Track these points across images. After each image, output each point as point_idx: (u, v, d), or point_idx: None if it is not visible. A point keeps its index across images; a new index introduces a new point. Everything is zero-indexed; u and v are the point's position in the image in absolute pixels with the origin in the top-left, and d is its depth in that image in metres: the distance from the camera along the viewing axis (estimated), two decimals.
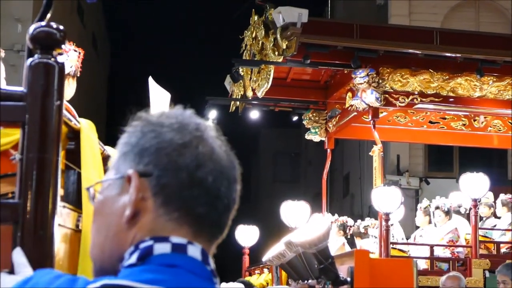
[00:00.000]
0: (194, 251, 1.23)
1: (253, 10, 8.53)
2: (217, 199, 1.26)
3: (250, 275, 11.52)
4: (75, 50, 4.23)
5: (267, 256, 8.49)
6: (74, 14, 18.62)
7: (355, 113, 8.67)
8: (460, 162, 15.66)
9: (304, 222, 9.10)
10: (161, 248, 1.21)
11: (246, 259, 11.52)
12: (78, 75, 4.25)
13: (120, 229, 1.30)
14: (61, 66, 2.07)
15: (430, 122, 9.66)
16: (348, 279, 6.36)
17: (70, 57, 4.10)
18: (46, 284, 1.33)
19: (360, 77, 7.82)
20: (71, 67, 4.14)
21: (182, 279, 1.18)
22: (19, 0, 12.96)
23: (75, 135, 2.61)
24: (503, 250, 9.40)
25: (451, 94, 8.51)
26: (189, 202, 1.24)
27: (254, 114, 9.80)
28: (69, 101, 4.26)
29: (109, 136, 2.88)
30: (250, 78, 8.91)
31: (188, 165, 1.24)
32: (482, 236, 9.05)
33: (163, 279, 1.17)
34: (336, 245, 9.14)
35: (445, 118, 9.56)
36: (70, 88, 4.22)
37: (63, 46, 2.06)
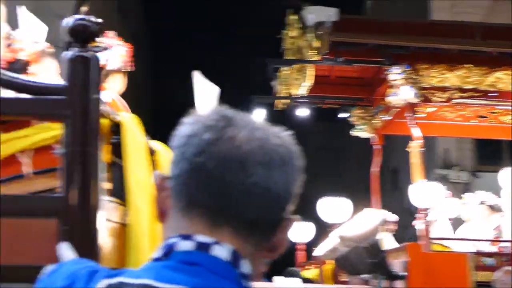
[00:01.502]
0: (221, 251, 1.19)
1: (290, 9, 8.59)
2: (223, 186, 1.20)
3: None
4: (122, 45, 4.22)
5: (319, 251, 8.41)
6: (114, 12, 18.77)
7: (398, 109, 8.60)
8: (510, 155, 15.43)
9: (346, 217, 9.04)
10: (185, 245, 1.20)
11: (300, 255, 11.50)
12: (129, 70, 4.26)
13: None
14: (98, 59, 2.07)
15: (479, 116, 9.51)
16: (403, 273, 6.29)
17: (117, 52, 4.09)
18: (70, 274, 1.33)
19: (396, 74, 7.79)
20: (118, 62, 4.14)
21: (202, 278, 1.16)
22: None
23: (118, 128, 2.62)
24: None
25: (490, 88, 8.39)
26: (192, 191, 1.21)
27: (301, 112, 9.79)
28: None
29: (154, 132, 2.91)
30: (294, 77, 8.96)
31: (190, 153, 1.21)
32: None
33: (182, 279, 1.15)
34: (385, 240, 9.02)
35: (494, 113, 9.42)
36: (119, 83, 4.23)
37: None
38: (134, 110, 2.68)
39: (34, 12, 3.97)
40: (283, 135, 1.27)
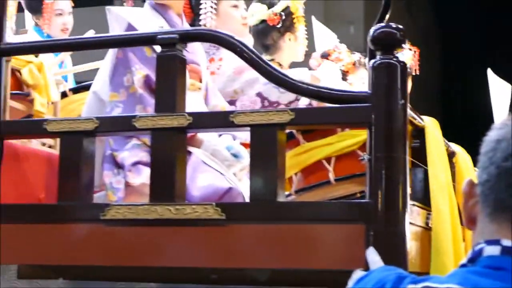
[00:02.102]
0: None
1: None
2: None
3: None
4: (409, 49, 4.24)
5: None
6: (404, 12, 18.71)
7: None
8: None
9: None
10: (491, 250, 1.18)
11: None
12: (414, 74, 4.25)
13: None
14: (403, 65, 2.09)
15: None
16: None
17: (405, 56, 4.11)
18: (378, 280, 1.34)
19: None
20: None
21: (507, 283, 1.13)
22: (350, 1, 13.25)
23: (419, 133, 2.61)
24: None
25: None
26: (500, 196, 1.19)
27: None
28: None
29: (444, 133, 2.86)
30: None
31: (498, 158, 1.19)
32: None
33: (486, 283, 1.13)
34: None
35: None
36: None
37: (403, 45, 2.07)
38: (424, 113, 2.66)
39: (325, 19, 4.08)
40: None
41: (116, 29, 2.88)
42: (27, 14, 4.40)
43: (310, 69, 4.19)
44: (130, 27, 2.84)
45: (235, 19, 3.45)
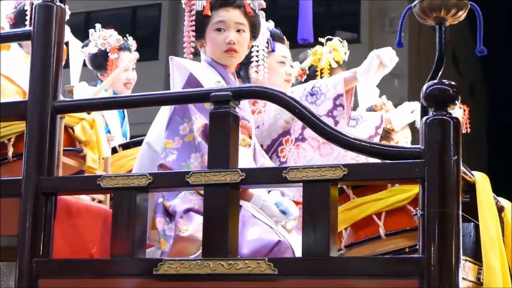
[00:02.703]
0: None
1: None
2: None
3: None
4: (459, 107, 4.25)
5: None
6: (450, 64, 18.71)
7: None
8: None
9: None
10: None
11: None
12: (465, 132, 4.25)
13: None
14: (456, 121, 2.11)
15: None
16: None
17: (455, 114, 4.12)
18: None
19: None
20: None
21: None
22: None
23: (469, 188, 2.61)
24: None
25: None
26: None
27: None
28: None
29: (494, 186, 2.84)
30: None
31: None
32: None
33: None
34: None
35: None
36: None
37: (456, 101, 2.10)
38: (471, 165, 2.67)
39: None
40: None
41: (177, 78, 2.96)
42: (73, 70, 4.51)
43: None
44: (191, 77, 2.92)
45: (280, 75, 3.51)
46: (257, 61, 3.27)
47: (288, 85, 3.55)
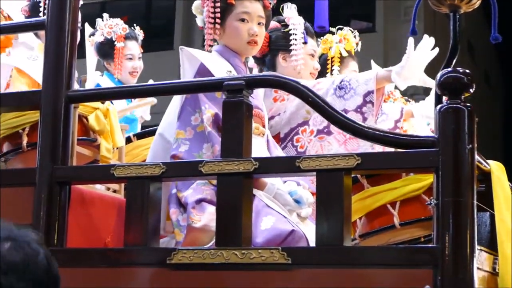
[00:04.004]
0: None
1: None
2: None
3: None
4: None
5: None
6: (466, 53, 18.63)
7: None
8: None
9: None
10: None
11: None
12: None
13: None
14: (470, 109, 2.09)
15: None
16: None
17: None
18: None
19: None
20: None
21: None
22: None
23: (485, 177, 2.59)
24: None
25: None
26: None
27: None
28: None
29: (510, 175, 2.81)
30: None
31: None
32: None
33: None
34: None
35: None
36: None
37: (470, 89, 2.08)
38: (487, 154, 2.65)
39: (384, 61, 4.12)
40: None
41: (187, 68, 2.95)
42: (89, 60, 4.53)
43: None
44: (202, 66, 2.91)
45: (309, 67, 3.51)
46: (296, 50, 3.32)
47: (312, 78, 3.55)
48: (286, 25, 3.46)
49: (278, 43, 3.46)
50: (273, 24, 3.46)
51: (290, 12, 3.47)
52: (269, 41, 3.46)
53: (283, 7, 3.49)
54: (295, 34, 3.36)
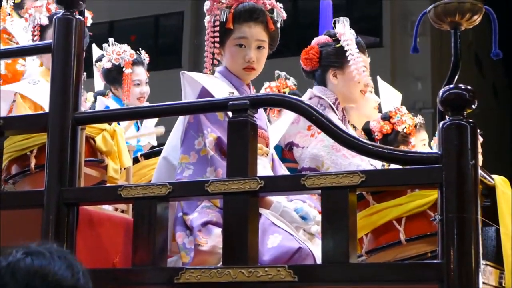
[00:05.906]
0: None
1: None
2: None
3: None
4: None
5: None
6: (473, 66, 18.63)
7: None
8: None
9: None
10: None
11: None
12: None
13: None
14: (473, 125, 2.10)
15: None
16: None
17: None
18: None
19: None
20: None
21: None
22: (417, 57, 13.26)
23: (489, 192, 2.60)
24: None
25: None
26: None
27: None
28: None
29: None
30: None
31: None
32: None
33: None
34: None
35: None
36: None
37: (473, 105, 2.09)
38: (494, 167, 2.66)
39: (392, 76, 4.16)
40: None
41: (188, 92, 2.96)
42: (96, 85, 4.58)
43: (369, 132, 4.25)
44: (204, 90, 2.91)
45: (360, 84, 3.44)
46: (355, 65, 3.30)
47: (363, 97, 3.52)
48: (338, 41, 3.40)
49: (329, 59, 3.41)
50: (324, 38, 3.45)
51: (342, 27, 3.41)
52: (319, 56, 3.42)
53: (335, 21, 3.44)
54: (351, 50, 3.31)
